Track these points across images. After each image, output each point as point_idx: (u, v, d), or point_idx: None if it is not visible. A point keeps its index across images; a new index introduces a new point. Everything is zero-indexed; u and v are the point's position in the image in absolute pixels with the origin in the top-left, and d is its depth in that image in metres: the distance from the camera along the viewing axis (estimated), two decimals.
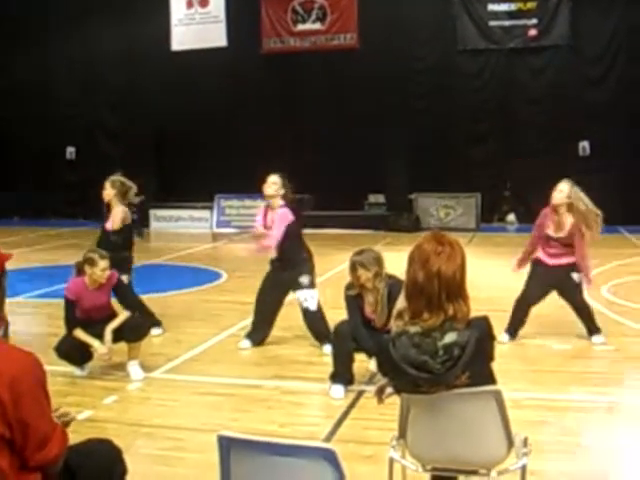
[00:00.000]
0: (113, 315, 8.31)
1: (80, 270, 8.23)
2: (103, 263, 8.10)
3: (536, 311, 9.70)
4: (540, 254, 9.48)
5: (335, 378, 7.59)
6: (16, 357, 3.20)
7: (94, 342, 8.05)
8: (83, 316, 8.15)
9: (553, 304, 10.76)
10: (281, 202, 9.28)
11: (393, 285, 7.37)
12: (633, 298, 11.76)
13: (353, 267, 7.56)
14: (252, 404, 7.45)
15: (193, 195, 22.92)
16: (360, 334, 7.52)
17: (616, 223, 19.66)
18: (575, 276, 9.21)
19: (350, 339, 7.52)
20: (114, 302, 8.46)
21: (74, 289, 8.18)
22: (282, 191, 9.27)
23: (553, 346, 9.23)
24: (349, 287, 7.74)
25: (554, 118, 21.00)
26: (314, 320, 9.27)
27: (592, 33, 21.14)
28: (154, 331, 9.80)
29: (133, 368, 8.30)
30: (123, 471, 4.10)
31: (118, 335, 8.22)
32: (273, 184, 9.25)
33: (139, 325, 8.42)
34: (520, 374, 8.01)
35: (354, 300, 7.69)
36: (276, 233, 9.14)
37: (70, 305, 8.10)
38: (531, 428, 5.39)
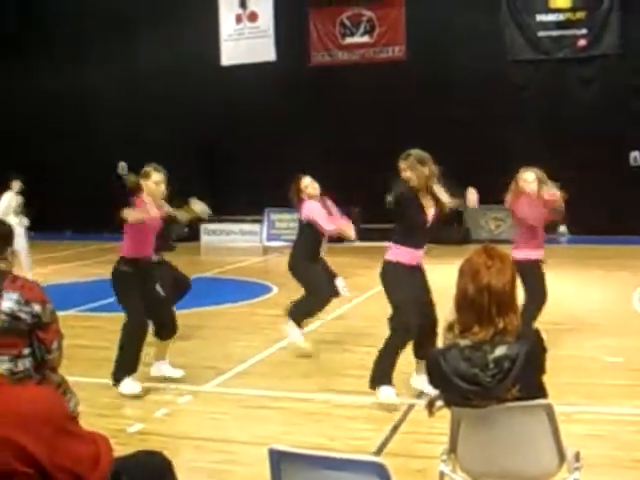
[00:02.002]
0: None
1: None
2: (156, 175, 8.25)
3: (584, 321, 9.61)
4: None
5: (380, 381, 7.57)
6: (29, 399, 3.01)
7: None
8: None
9: (605, 315, 10.68)
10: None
11: None
12: None
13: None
14: (302, 417, 7.46)
15: (243, 209, 23.02)
16: None
17: None
18: None
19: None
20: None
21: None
22: None
23: (605, 358, 9.12)
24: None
25: (604, 128, 20.76)
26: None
27: None
28: None
29: (167, 369, 8.51)
30: None
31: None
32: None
33: (173, 319, 8.50)
34: (572, 387, 7.91)
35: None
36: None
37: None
38: (584, 442, 5.33)
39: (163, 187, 8.33)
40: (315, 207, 9.68)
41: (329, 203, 9.99)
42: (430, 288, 7.88)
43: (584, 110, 21.22)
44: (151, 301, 8.25)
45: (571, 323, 10.77)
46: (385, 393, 7.45)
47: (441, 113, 21.52)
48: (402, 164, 7.71)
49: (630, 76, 21.13)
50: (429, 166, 7.71)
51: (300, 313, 9.57)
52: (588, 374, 8.53)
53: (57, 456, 2.88)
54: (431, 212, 7.67)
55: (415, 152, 7.78)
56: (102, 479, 2.99)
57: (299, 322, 9.56)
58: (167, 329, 8.41)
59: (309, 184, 9.84)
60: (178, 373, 8.56)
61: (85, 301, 13.15)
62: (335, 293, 9.83)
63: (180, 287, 10.09)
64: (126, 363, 8.02)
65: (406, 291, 7.56)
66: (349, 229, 9.51)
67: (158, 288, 8.52)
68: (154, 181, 8.28)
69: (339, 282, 9.89)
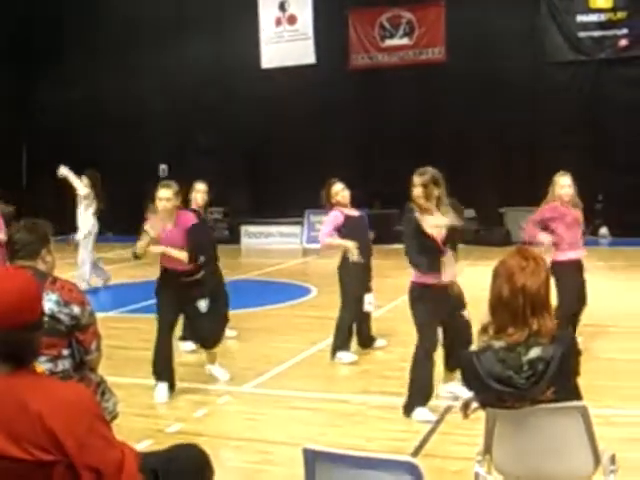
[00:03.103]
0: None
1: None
2: (163, 191, 8.26)
3: (622, 323, 9.53)
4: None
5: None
6: (67, 395, 3.08)
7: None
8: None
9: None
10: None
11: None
12: None
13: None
14: (340, 419, 7.48)
15: (283, 211, 23.04)
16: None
17: None
18: None
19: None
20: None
21: None
22: None
23: None
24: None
25: None
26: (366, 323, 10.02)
27: None
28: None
29: (216, 370, 8.74)
30: (210, 474, 4.14)
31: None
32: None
33: (213, 333, 8.72)
34: (609, 390, 7.85)
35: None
36: None
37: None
38: (621, 445, 5.29)
39: (163, 203, 8.28)
40: (330, 217, 9.78)
41: (356, 215, 9.94)
42: (463, 303, 7.75)
43: (626, 111, 21.01)
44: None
45: (608, 325, 10.70)
46: (420, 415, 7.38)
47: (481, 115, 21.43)
48: (416, 179, 7.84)
49: None
50: (441, 188, 7.73)
51: (341, 340, 9.59)
52: (626, 377, 8.44)
53: (85, 453, 2.94)
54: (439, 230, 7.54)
55: (432, 171, 7.86)
56: None
57: (344, 346, 9.57)
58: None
59: (339, 191, 9.73)
60: (225, 376, 8.75)
61: (125, 303, 13.28)
62: (360, 309, 9.75)
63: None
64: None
65: (426, 313, 7.51)
66: (352, 248, 9.38)
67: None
68: (157, 197, 8.33)
69: (367, 297, 9.74)
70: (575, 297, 9.04)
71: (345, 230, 9.55)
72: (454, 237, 7.60)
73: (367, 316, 9.96)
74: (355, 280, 9.51)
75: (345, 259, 9.59)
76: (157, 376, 8.23)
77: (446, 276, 7.48)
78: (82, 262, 14.96)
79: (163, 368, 8.22)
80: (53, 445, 2.92)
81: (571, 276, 9.04)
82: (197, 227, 8.50)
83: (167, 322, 8.31)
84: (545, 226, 9.30)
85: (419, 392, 7.41)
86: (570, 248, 9.15)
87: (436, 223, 7.41)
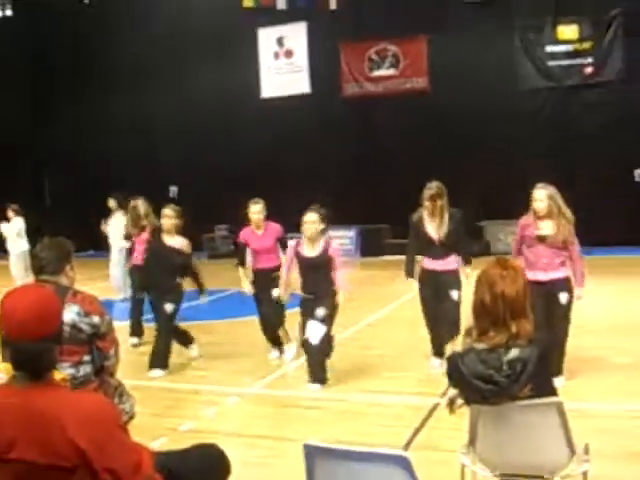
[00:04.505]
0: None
1: None
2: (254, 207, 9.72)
3: (595, 324, 9.49)
4: None
5: None
6: (86, 405, 3.08)
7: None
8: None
9: (615, 319, 10.58)
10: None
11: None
12: None
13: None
14: (338, 415, 7.48)
15: (282, 228, 22.94)
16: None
17: None
18: None
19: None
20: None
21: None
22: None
23: (614, 359, 9.04)
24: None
25: (610, 148, 20.62)
26: (314, 352, 8.51)
27: None
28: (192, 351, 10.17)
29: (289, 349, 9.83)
30: (226, 472, 4.12)
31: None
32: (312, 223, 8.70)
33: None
34: (582, 386, 7.86)
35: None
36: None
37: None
38: (593, 436, 5.27)
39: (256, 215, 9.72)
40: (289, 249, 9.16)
41: (319, 248, 8.68)
42: (448, 294, 8.67)
43: (592, 132, 21.09)
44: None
45: (584, 327, 10.67)
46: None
47: (462, 138, 21.47)
48: (425, 193, 8.68)
49: (633, 99, 20.97)
50: (444, 199, 8.72)
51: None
52: (599, 373, 8.44)
53: (105, 458, 2.94)
54: (442, 231, 8.76)
55: (437, 186, 8.70)
56: None
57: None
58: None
59: (307, 221, 8.73)
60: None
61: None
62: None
63: None
64: None
65: (422, 293, 8.86)
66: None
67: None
68: (250, 212, 9.78)
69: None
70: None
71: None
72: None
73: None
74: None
75: None
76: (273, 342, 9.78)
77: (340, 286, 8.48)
78: (118, 275, 15.05)
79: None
80: (74, 452, 2.92)
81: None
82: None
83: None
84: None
85: None
86: (528, 268, 7.72)
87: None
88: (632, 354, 9.20)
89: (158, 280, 9.45)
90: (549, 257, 7.97)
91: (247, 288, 9.73)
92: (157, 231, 9.81)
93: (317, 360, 8.47)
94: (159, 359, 9.29)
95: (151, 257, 9.74)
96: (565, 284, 7.98)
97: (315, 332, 8.33)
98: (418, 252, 8.93)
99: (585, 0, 20.75)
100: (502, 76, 21.74)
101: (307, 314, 8.54)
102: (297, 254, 8.73)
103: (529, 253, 8.08)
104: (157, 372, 9.23)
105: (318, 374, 8.41)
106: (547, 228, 8.02)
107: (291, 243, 9.09)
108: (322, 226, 8.68)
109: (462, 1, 21.57)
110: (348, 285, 8.72)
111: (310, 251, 8.64)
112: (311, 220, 8.63)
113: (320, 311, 8.37)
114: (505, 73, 21.80)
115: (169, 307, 9.25)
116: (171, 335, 9.57)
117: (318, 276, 8.55)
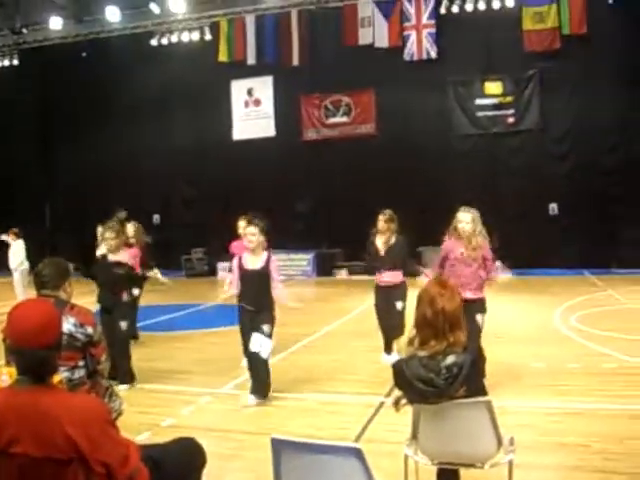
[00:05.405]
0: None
1: None
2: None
3: (515, 335, 9.54)
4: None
5: None
6: (81, 405, 3.05)
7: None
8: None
9: (531, 330, 10.64)
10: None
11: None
12: (596, 325, 11.59)
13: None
14: (297, 413, 7.42)
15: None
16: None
17: (579, 267, 19.62)
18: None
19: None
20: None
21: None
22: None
23: (531, 364, 9.11)
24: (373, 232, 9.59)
25: (529, 186, 20.94)
26: (261, 367, 7.83)
27: (557, 118, 21.11)
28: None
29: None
30: (202, 462, 4.07)
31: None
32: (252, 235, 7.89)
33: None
34: (507, 387, 7.89)
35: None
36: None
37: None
38: (516, 430, 5.30)
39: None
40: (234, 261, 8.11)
41: (260, 261, 7.87)
42: (394, 304, 9.36)
43: (513, 172, 21.42)
44: None
45: (505, 337, 10.77)
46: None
47: (404, 174, 21.60)
48: (380, 217, 9.62)
49: (549, 145, 21.37)
50: (394, 224, 9.69)
51: None
52: (519, 376, 8.51)
53: (97, 451, 2.93)
54: (387, 245, 9.57)
55: (389, 213, 9.68)
56: (129, 474, 3.01)
57: None
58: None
59: (246, 233, 8.07)
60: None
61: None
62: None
63: None
64: None
65: (376, 302, 9.61)
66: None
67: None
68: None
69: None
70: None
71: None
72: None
73: None
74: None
75: None
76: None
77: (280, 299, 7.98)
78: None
79: None
80: (70, 446, 2.90)
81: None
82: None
83: None
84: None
85: None
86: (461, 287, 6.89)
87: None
88: (545, 360, 9.29)
89: (106, 296, 8.80)
90: (469, 277, 7.62)
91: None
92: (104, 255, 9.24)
93: (261, 377, 7.80)
94: (124, 375, 8.52)
95: (97, 275, 9.05)
96: (480, 306, 7.60)
97: (265, 346, 7.65)
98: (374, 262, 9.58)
99: (508, 61, 21.16)
100: (438, 123, 22.01)
101: (248, 325, 7.81)
102: (240, 267, 7.89)
103: (452, 273, 7.63)
104: (123, 386, 8.36)
105: (262, 391, 7.79)
106: (469, 247, 7.68)
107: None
108: (262, 238, 7.89)
109: (404, 60, 21.90)
110: (287, 299, 8.02)
111: (252, 263, 7.86)
112: (250, 232, 7.86)
113: (266, 328, 7.67)
114: (441, 121, 22.08)
115: (123, 324, 8.65)
116: (129, 350, 8.86)
117: (260, 289, 7.77)
